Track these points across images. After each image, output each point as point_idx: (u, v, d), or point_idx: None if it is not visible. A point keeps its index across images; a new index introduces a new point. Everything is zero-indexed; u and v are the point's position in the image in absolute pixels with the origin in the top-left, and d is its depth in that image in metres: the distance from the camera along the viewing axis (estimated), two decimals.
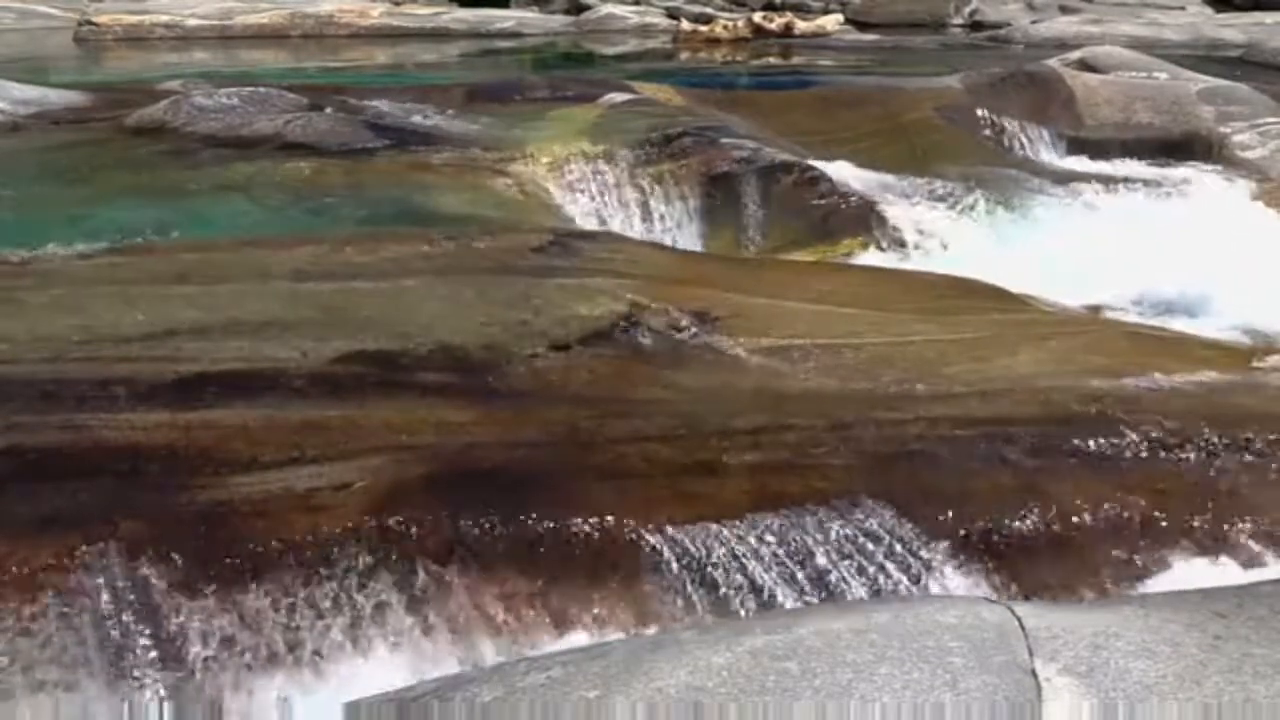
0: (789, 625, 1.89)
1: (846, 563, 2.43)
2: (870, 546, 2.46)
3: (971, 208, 5.59)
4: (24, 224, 4.50)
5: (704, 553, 2.39)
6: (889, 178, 5.80)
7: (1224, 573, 2.52)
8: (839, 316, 3.66)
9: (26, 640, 2.11)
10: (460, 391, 2.95)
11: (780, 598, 2.36)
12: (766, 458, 2.68)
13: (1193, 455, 2.82)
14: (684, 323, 3.44)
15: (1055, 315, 3.90)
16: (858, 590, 2.40)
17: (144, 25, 13.62)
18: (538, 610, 2.32)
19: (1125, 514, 2.62)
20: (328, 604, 2.25)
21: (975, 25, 15.57)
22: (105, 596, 2.17)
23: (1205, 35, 13.25)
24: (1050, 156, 6.63)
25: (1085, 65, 7.55)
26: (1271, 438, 2.87)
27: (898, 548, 2.47)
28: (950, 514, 2.55)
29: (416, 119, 6.17)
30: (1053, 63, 7.58)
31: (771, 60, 12.18)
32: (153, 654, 2.13)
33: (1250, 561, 2.57)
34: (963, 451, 2.76)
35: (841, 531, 2.48)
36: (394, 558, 2.32)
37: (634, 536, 2.41)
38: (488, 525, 2.39)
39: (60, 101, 6.59)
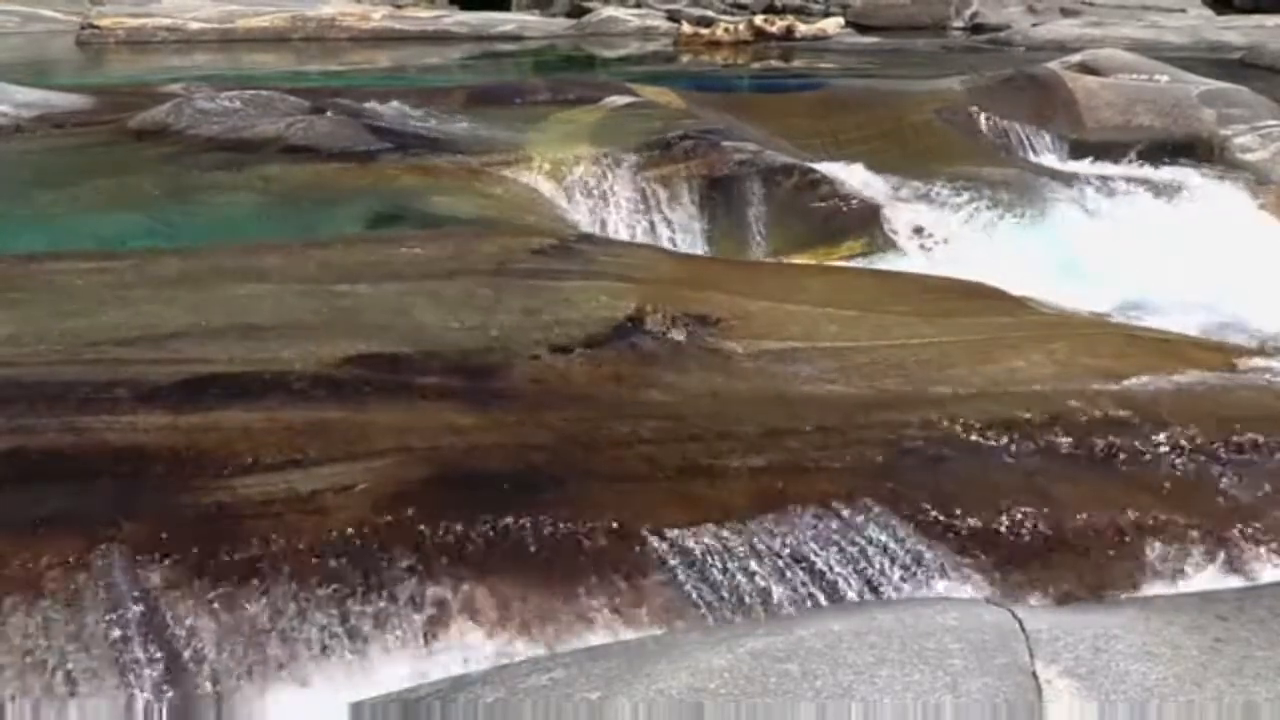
0: (790, 627, 1.90)
1: (848, 565, 2.43)
2: (871, 549, 2.47)
3: (972, 210, 5.59)
4: (27, 226, 4.51)
5: (705, 555, 2.40)
6: (890, 180, 5.80)
7: (1225, 575, 2.52)
8: (840, 319, 3.67)
9: (29, 641, 2.11)
10: (462, 394, 2.96)
11: (781, 600, 2.37)
12: (768, 460, 2.68)
13: (1193, 457, 2.82)
14: (686, 326, 3.45)
15: (1056, 317, 3.91)
16: (859, 592, 2.41)
17: (146, 29, 13.65)
18: (540, 612, 2.32)
19: (1126, 516, 2.62)
20: (331, 605, 2.25)
21: (976, 28, 15.60)
22: (108, 598, 2.17)
23: (1206, 38, 13.25)
24: (1051, 159, 6.63)
25: (1086, 68, 7.55)
26: (1273, 439, 2.88)
27: (899, 550, 2.47)
28: (951, 516, 2.55)
29: (418, 122, 6.17)
30: (1053, 65, 7.58)
31: (773, 63, 12.20)
32: (156, 656, 2.14)
33: (1251, 564, 2.57)
34: (964, 454, 2.77)
35: (843, 533, 2.48)
36: (397, 559, 2.32)
37: (635, 539, 2.41)
38: (490, 527, 2.39)
39: (63, 104, 6.59)
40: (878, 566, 2.44)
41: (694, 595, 2.36)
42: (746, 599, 2.36)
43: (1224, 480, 2.76)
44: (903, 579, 2.44)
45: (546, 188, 5.32)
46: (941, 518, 2.54)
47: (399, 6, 16.19)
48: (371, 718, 1.86)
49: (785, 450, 2.72)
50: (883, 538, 2.49)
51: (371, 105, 6.39)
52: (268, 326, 3.27)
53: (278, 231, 4.48)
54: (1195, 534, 2.61)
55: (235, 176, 5.11)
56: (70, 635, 2.12)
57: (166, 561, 2.24)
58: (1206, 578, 2.50)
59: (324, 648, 2.23)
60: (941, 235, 5.43)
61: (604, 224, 5.28)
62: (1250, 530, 2.63)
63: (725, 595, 2.37)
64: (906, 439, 2.79)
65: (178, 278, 3.67)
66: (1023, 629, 1.84)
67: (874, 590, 2.41)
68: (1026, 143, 6.71)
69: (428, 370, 3.06)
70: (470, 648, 2.27)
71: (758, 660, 1.75)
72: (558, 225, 4.86)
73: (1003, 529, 2.56)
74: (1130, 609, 1.98)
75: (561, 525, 2.42)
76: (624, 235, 5.19)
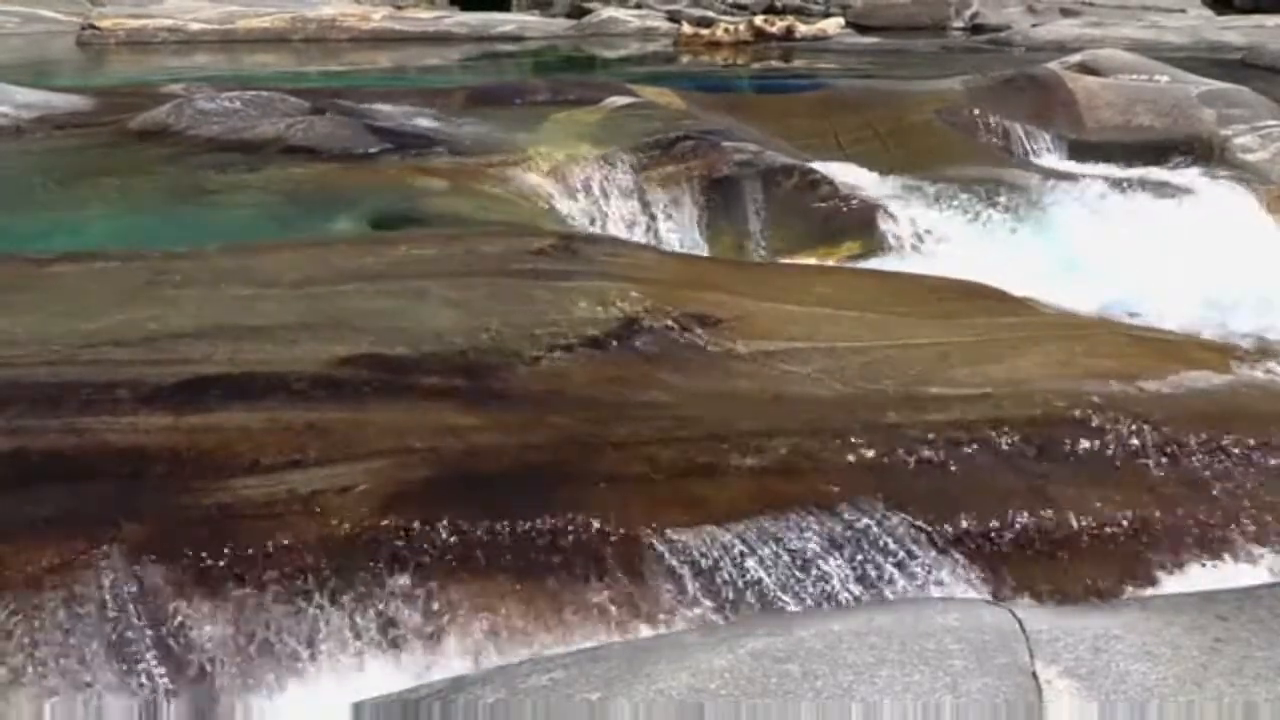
0: (790, 627, 1.90)
1: (848, 565, 2.43)
2: (871, 549, 2.47)
3: (972, 210, 5.60)
4: (27, 227, 4.51)
5: (706, 555, 2.40)
6: (890, 180, 5.81)
7: (1225, 575, 2.52)
8: (841, 319, 3.67)
9: (30, 642, 2.12)
10: (462, 394, 2.96)
11: (781, 600, 2.37)
12: (769, 460, 2.68)
13: (1194, 457, 2.82)
14: (686, 326, 3.45)
15: (1056, 318, 3.90)
16: (859, 592, 2.41)
17: (146, 29, 13.65)
18: (540, 612, 2.33)
19: (1126, 516, 2.62)
20: (332, 606, 2.25)
21: (976, 28, 15.59)
22: (108, 599, 2.18)
23: (1206, 38, 13.24)
24: (1051, 159, 6.62)
25: (1086, 68, 7.55)
26: (1273, 440, 2.88)
27: (899, 550, 2.48)
28: (952, 516, 2.55)
29: (418, 122, 6.17)
30: (1053, 65, 7.57)
31: (773, 63, 12.19)
32: (157, 656, 2.14)
33: (1252, 564, 2.58)
34: (964, 454, 2.77)
35: (843, 534, 2.48)
36: (397, 560, 2.32)
37: (636, 539, 2.41)
38: (491, 528, 2.39)
39: (63, 105, 6.59)
40: (878, 567, 2.44)
41: (694, 595, 2.36)
42: (746, 599, 2.36)
43: (1224, 480, 2.76)
44: (903, 579, 2.44)
45: (547, 188, 5.32)
46: (942, 518, 2.54)
47: (399, 7, 16.20)
48: (372, 718, 1.86)
49: (785, 450, 2.72)
50: (883, 538, 2.49)
51: (371, 106, 6.39)
52: (268, 327, 3.27)
53: (278, 232, 4.48)
54: (1195, 534, 2.61)
55: (235, 177, 5.11)
56: (70, 636, 2.13)
57: (166, 562, 2.24)
58: (1206, 578, 2.51)
59: (324, 648, 2.23)
60: (941, 235, 5.43)
61: (604, 224, 5.28)
62: (1251, 530, 2.63)
63: (725, 595, 2.37)
64: (907, 439, 2.79)
65: (178, 278, 3.67)
66: (1023, 629, 1.84)
67: (874, 590, 2.41)
68: (1026, 143, 6.70)
69: (428, 370, 3.06)
70: (471, 648, 2.27)
71: (758, 660, 1.75)
72: (558, 225, 4.87)
73: (1003, 529, 2.56)
74: (1130, 609, 1.98)
75: (562, 525, 2.42)
76: (624, 236, 5.19)
